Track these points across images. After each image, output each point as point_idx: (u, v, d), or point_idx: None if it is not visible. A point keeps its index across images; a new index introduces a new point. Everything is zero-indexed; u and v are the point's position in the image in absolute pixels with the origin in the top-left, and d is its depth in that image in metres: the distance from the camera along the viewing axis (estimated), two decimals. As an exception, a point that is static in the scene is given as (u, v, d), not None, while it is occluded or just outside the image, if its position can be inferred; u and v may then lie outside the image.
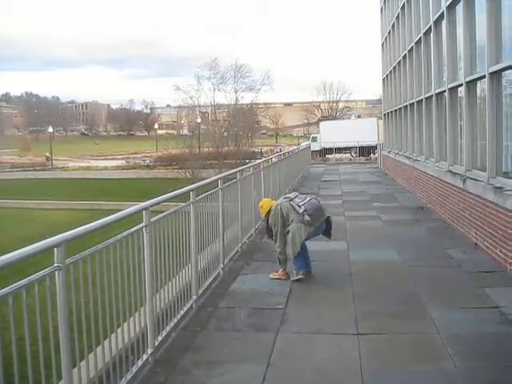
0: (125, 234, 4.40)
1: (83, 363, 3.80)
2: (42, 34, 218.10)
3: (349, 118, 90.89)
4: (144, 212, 4.77)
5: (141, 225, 4.70)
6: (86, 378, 3.82)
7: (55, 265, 3.37)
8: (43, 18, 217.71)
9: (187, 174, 45.41)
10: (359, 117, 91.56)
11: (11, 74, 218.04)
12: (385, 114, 26.72)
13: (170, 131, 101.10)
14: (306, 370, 4.69)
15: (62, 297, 3.41)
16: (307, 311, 6.25)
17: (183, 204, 6.14)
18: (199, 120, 62.53)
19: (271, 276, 7.54)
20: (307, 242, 7.57)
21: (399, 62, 20.46)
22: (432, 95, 13.85)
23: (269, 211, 7.66)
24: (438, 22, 13.18)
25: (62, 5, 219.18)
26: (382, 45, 26.41)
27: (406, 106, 18.81)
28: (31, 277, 3.16)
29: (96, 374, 4.02)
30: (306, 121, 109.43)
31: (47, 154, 72.59)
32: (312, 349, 5.17)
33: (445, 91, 12.21)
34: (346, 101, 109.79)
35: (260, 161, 13.28)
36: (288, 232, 7.37)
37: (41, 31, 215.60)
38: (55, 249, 3.38)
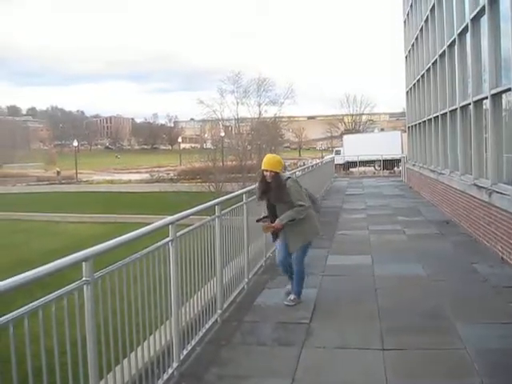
0: (151, 248, 4.44)
1: (110, 376, 3.84)
2: (66, 49, 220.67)
3: (372, 131, 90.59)
4: (170, 226, 4.82)
5: (167, 239, 4.75)
6: (113, 391, 3.86)
7: (83, 279, 3.42)
8: (68, 33, 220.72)
9: (211, 187, 45.55)
10: (382, 130, 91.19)
11: (37, 89, 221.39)
12: (409, 127, 26.57)
13: (193, 145, 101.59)
14: (331, 385, 4.68)
15: (89, 310, 3.45)
16: (332, 326, 6.23)
17: (209, 218, 6.18)
18: (223, 134, 62.74)
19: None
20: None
21: (423, 74, 20.36)
22: (457, 108, 13.77)
23: (276, 174, 6.77)
24: (462, 34, 13.12)
25: (87, 21, 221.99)
26: (406, 57, 26.33)
27: (431, 119, 18.70)
28: (60, 291, 3.21)
29: (123, 387, 4.05)
30: (329, 134, 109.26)
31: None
32: (337, 364, 5.15)
33: (469, 104, 12.13)
34: (370, 114, 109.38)
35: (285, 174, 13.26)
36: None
37: (65, 46, 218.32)
38: (84, 263, 3.43)
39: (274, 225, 6.81)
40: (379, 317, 6.43)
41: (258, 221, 7.20)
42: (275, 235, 7.01)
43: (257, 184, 7.11)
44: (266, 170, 6.72)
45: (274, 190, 6.76)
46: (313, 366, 5.13)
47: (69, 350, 3.28)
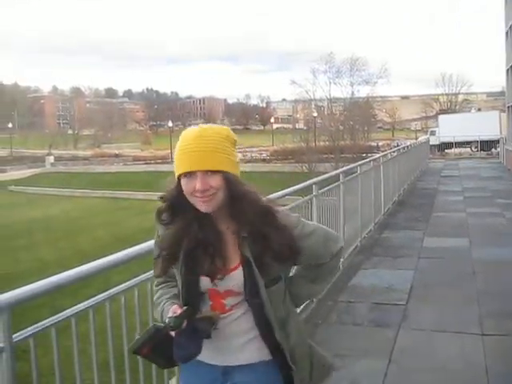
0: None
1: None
2: (160, 33, 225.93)
3: (469, 111, 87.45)
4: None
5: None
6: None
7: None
8: (161, 17, 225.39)
9: (304, 167, 45.56)
10: (479, 110, 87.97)
11: (133, 72, 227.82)
12: (508, 107, 25.52)
13: (285, 125, 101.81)
14: (429, 369, 4.62)
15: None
16: (429, 308, 6.14)
17: (306, 197, 6.21)
18: (315, 114, 62.47)
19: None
20: None
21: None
22: None
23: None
24: None
25: (180, 4, 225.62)
26: (507, 33, 25.16)
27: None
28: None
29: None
30: (423, 114, 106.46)
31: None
32: (434, 347, 5.07)
33: None
34: (466, 93, 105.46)
35: (379, 155, 13.13)
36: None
37: (159, 30, 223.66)
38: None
39: None
40: (478, 301, 6.26)
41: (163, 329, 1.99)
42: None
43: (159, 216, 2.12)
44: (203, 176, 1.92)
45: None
46: (410, 348, 5.08)
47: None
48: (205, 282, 2.00)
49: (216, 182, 1.90)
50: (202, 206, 1.92)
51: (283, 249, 1.97)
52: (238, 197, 1.95)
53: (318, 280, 2.27)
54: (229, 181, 1.93)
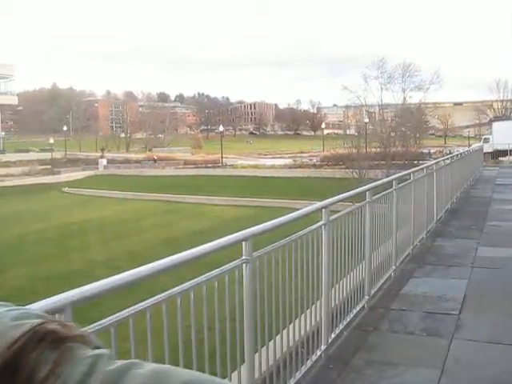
0: (305, 231, 4.56)
1: (264, 350, 3.99)
2: (212, 39, 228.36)
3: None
4: (323, 210, 4.90)
5: (320, 223, 4.84)
6: (266, 365, 4.01)
7: (243, 257, 3.58)
8: (214, 23, 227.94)
9: (354, 173, 45.26)
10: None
11: (186, 77, 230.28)
12: None
13: (336, 131, 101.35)
14: (482, 380, 4.55)
15: (248, 287, 3.61)
16: (483, 319, 6.03)
17: (360, 204, 6.20)
18: (366, 120, 61.98)
19: None
20: None
21: None
22: None
23: None
24: None
25: (232, 10, 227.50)
26: None
27: None
28: (222, 267, 3.39)
29: (274, 363, 4.19)
30: (477, 121, 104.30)
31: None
32: (488, 359, 4.99)
33: None
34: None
35: (432, 162, 12.95)
36: None
37: (210, 37, 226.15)
38: (243, 242, 3.59)
39: None
40: (534, 313, 6.13)
41: None
42: None
43: None
44: None
45: None
46: (463, 358, 5.00)
47: (228, 324, 3.46)
48: None
49: None
50: None
51: None
52: None
53: None
54: None
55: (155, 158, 76.04)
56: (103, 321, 2.49)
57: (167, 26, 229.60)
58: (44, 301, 2.16)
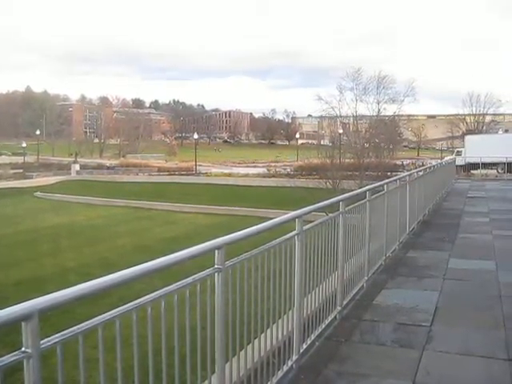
0: (279, 240, 4.53)
1: (235, 359, 3.95)
2: (189, 47, 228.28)
3: (496, 132, 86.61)
4: (297, 220, 4.87)
5: (294, 232, 4.81)
6: (236, 375, 3.97)
7: (216, 266, 3.54)
8: (192, 31, 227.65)
9: (328, 184, 45.42)
10: (507, 131, 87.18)
11: (161, 83, 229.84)
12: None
13: (310, 141, 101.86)
14: (454, 392, 4.56)
15: (220, 296, 3.57)
16: (454, 331, 6.05)
17: (333, 214, 6.18)
18: (341, 130, 62.32)
19: None
20: None
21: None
22: None
23: None
24: None
25: (210, 18, 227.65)
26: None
27: None
28: (194, 276, 3.34)
29: (245, 373, 4.15)
30: (449, 134, 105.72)
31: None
32: (459, 371, 5.00)
33: None
34: (494, 114, 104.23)
35: (406, 174, 13.04)
36: None
37: (188, 44, 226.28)
38: (216, 251, 3.54)
39: None
40: (505, 325, 6.14)
41: None
42: None
43: None
44: None
45: None
46: (434, 370, 5.00)
47: (199, 333, 3.41)
48: None
49: None
50: None
51: None
52: None
53: None
54: None
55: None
56: (72, 328, 2.43)
57: (143, 31, 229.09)
58: (10, 308, 2.11)
